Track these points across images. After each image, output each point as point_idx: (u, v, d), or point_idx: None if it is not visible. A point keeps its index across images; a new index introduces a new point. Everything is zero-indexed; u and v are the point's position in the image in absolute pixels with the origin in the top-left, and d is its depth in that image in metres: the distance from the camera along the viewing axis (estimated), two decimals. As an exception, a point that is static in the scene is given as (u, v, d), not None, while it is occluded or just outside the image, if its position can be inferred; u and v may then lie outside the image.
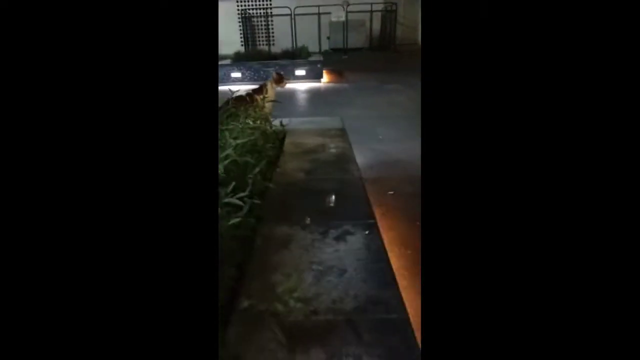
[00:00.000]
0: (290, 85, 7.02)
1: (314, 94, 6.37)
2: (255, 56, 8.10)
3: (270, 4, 12.77)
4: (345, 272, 0.99)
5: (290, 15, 10.79)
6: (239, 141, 1.27)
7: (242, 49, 9.95)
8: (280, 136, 2.31)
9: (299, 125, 2.62)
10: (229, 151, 1.15)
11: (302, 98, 6.17)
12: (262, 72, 7.37)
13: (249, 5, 12.77)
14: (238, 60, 7.99)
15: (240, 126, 1.48)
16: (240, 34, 12.37)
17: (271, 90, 2.55)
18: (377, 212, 2.22)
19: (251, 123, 1.91)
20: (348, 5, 11.32)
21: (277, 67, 6.69)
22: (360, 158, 3.20)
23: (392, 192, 2.51)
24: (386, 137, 3.77)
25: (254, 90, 2.53)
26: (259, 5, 12.81)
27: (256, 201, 1.13)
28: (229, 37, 12.97)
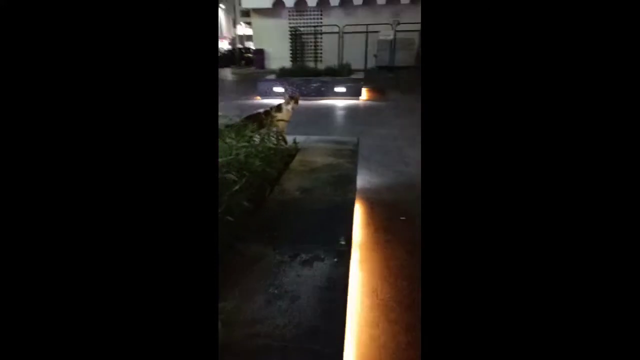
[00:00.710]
0: (328, 102, 7.13)
1: (349, 112, 6.37)
2: (299, 72, 8.33)
3: (321, 22, 13.16)
4: (298, 299, 0.97)
5: (339, 33, 11.01)
6: (221, 159, 1.30)
7: (290, 65, 10.28)
8: (291, 153, 2.34)
9: (314, 144, 2.62)
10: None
11: (336, 115, 6.21)
12: (303, 88, 7.55)
13: (300, 23, 13.26)
14: (282, 75, 8.27)
15: (227, 143, 1.51)
16: (290, 50, 12.83)
17: (285, 109, 2.60)
18: (381, 239, 2.15)
19: (256, 140, 1.96)
20: (398, 24, 11.32)
21: (292, 88, 6.80)
22: (379, 180, 3.14)
23: (404, 218, 2.43)
24: (414, 159, 3.66)
25: (271, 108, 2.60)
26: (310, 23, 13.24)
27: (229, 218, 1.16)
28: (279, 53, 13.52)
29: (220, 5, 32.87)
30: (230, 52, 21.87)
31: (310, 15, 13.49)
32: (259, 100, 7.29)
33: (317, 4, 13.05)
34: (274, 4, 13.48)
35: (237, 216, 1.23)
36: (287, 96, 2.59)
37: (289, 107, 2.56)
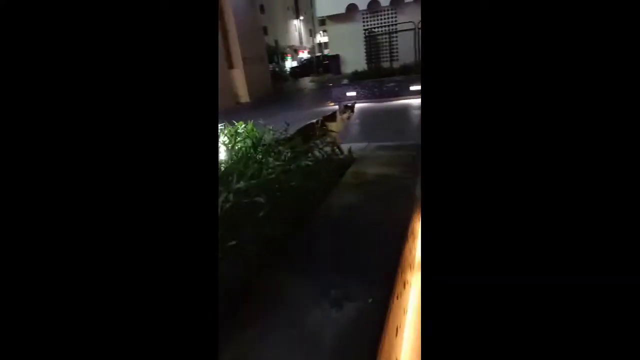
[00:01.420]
0: (402, 102, 6.75)
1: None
2: (372, 74, 8.07)
3: (396, 20, 12.69)
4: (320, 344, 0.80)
5: (414, 30, 10.46)
6: (251, 182, 1.17)
7: (365, 67, 10.09)
8: (346, 163, 2.15)
9: (372, 152, 2.39)
10: (228, 195, 1.07)
11: (409, 115, 5.80)
12: (375, 90, 7.28)
13: (374, 24, 12.96)
14: (355, 79, 8.12)
15: (260, 161, 1.39)
16: (365, 52, 12.63)
17: (339, 118, 2.40)
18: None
19: (306, 153, 1.83)
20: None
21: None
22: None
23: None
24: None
25: (325, 118, 2.45)
26: (384, 22, 12.86)
27: (252, 248, 1.03)
28: (354, 57, 13.40)
29: (300, 16, 34.32)
30: (308, 61, 22.56)
31: (385, 14, 13.08)
32: (331, 106, 7.24)
33: (390, 2, 12.62)
34: (348, 9, 13.44)
35: (262, 245, 1.10)
36: (341, 105, 2.42)
37: (344, 116, 2.39)
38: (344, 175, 1.92)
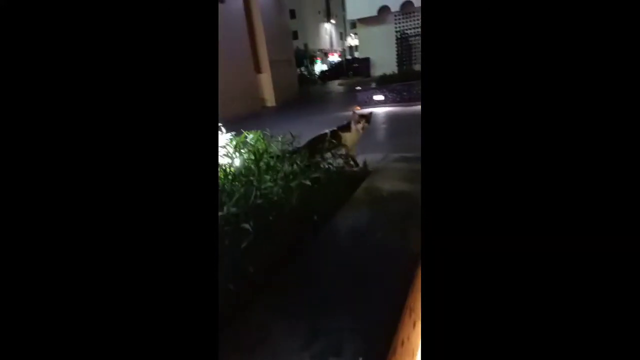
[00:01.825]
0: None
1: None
2: (401, 77, 7.77)
3: (428, 21, 12.24)
4: None
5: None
6: (223, 212, 1.00)
7: (396, 70, 9.78)
8: (360, 177, 1.95)
9: (390, 165, 2.17)
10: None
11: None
12: (405, 93, 6.99)
13: (407, 26, 12.59)
14: (383, 82, 7.85)
15: (253, 180, 1.21)
16: (397, 55, 12.30)
17: (354, 129, 2.14)
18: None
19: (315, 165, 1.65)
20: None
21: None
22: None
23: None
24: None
25: (338, 128, 2.24)
26: (417, 24, 12.45)
27: (230, 287, 0.87)
28: (385, 60, 13.09)
29: (331, 20, 34.33)
30: (338, 64, 22.43)
31: (418, 15, 12.69)
32: (358, 110, 7.03)
33: (425, 2, 12.21)
34: (380, 11, 13.17)
35: (242, 282, 0.94)
36: (356, 114, 2.18)
37: (359, 126, 2.15)
38: (355, 191, 1.73)
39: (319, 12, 33.12)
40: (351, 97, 8.12)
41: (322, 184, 1.52)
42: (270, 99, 9.98)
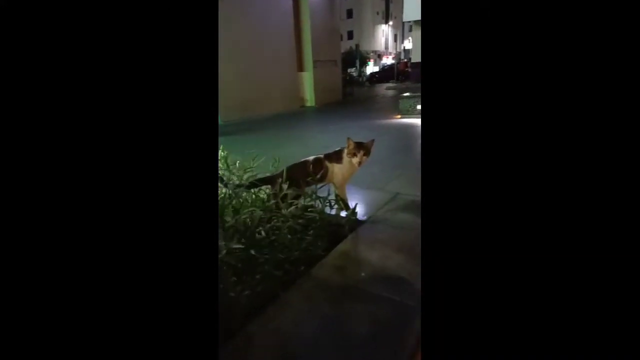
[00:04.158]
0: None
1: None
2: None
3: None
4: None
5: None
6: None
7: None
8: (342, 232, 1.51)
9: (395, 214, 1.69)
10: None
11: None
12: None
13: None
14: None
15: None
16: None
17: (347, 161, 1.69)
18: None
19: (284, 211, 1.26)
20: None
21: None
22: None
23: None
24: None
25: (327, 157, 1.76)
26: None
27: None
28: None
29: (389, 21, 33.41)
30: (389, 67, 21.66)
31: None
32: (397, 118, 6.46)
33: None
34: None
35: None
36: (351, 143, 1.70)
37: (354, 159, 1.69)
38: (325, 257, 1.28)
39: (377, 13, 32.30)
40: (396, 103, 7.55)
41: (274, 244, 1.11)
42: (310, 99, 9.72)
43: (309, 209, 1.49)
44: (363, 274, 1.17)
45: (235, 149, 2.04)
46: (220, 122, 6.95)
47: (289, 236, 1.13)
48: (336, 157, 1.73)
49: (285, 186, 1.49)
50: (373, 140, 1.73)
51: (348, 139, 1.69)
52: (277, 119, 6.89)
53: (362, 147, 1.68)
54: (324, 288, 1.09)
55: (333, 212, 1.69)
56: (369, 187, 2.16)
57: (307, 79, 9.68)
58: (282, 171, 1.62)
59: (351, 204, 1.72)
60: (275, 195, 1.59)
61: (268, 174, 1.69)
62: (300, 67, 9.56)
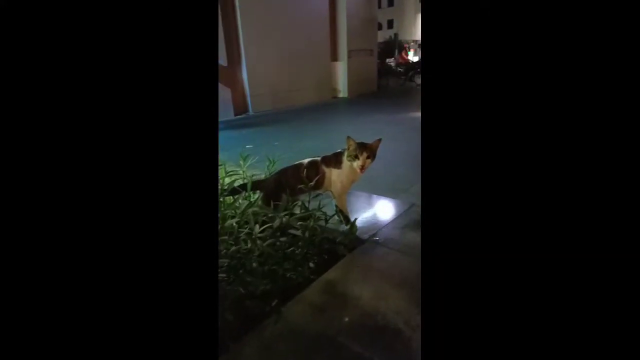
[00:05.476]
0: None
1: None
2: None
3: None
4: None
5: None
6: None
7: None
8: (339, 252, 1.26)
9: (405, 232, 1.41)
10: None
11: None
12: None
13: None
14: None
15: None
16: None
17: (347, 165, 1.43)
18: None
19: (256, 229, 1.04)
20: None
21: None
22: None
23: None
24: None
25: (324, 159, 1.51)
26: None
27: None
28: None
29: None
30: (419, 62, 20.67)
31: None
32: (418, 115, 6.01)
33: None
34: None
35: None
36: (352, 143, 1.43)
37: (357, 163, 1.42)
38: (305, 289, 1.04)
39: (420, 1, 30.91)
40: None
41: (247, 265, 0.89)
42: (342, 90, 9.42)
43: (298, 222, 1.26)
44: (347, 319, 0.92)
45: (260, 141, 1.84)
46: (250, 112, 6.87)
47: (254, 264, 0.91)
48: (335, 160, 1.46)
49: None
50: (379, 140, 1.45)
51: (348, 138, 1.42)
52: (307, 110, 6.67)
53: (366, 149, 1.40)
54: (292, 337, 0.86)
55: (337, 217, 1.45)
56: (385, 191, 1.88)
57: (341, 69, 9.37)
58: (273, 175, 1.40)
59: (357, 213, 1.46)
60: (267, 202, 1.37)
61: (263, 176, 1.48)
62: (335, 57, 9.26)
